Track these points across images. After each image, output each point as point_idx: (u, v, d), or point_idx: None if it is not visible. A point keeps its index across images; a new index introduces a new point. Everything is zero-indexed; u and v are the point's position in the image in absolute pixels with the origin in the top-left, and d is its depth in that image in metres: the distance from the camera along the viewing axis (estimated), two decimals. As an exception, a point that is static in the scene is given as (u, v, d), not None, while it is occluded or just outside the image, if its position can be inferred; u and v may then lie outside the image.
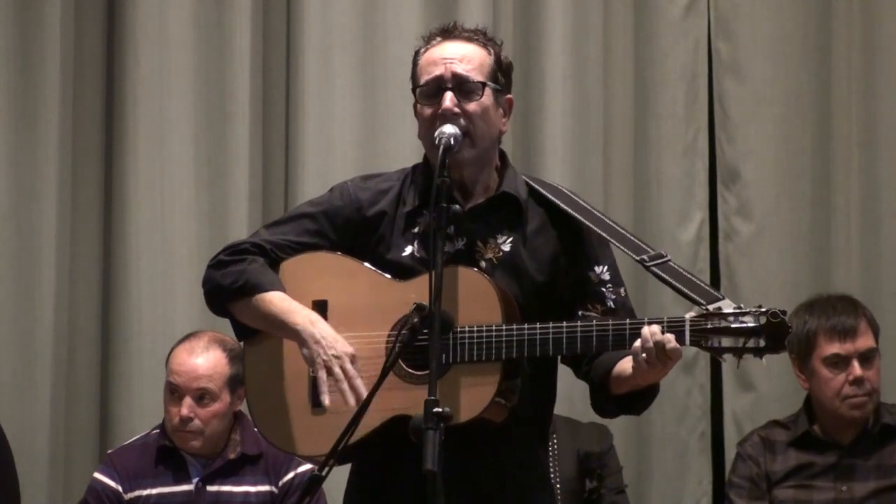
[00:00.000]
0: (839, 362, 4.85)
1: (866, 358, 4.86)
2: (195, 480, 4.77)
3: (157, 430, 4.85)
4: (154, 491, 4.76)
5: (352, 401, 3.27)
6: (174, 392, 4.77)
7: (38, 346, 5.45)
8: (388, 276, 3.40)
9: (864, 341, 4.86)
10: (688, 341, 3.22)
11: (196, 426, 4.74)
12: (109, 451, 4.93)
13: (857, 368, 4.83)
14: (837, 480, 4.87)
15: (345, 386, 3.30)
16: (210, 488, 4.76)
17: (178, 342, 4.86)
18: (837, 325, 4.84)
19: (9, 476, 4.85)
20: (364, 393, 3.27)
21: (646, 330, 3.22)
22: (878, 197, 5.76)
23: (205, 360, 4.74)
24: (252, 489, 4.77)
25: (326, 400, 3.31)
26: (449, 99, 3.38)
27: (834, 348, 4.85)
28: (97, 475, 4.82)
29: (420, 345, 3.17)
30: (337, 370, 3.30)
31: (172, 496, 4.76)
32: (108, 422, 5.55)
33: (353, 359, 3.31)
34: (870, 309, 5.13)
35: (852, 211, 5.75)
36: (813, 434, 4.91)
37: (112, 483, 4.78)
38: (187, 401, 4.74)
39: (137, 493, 4.76)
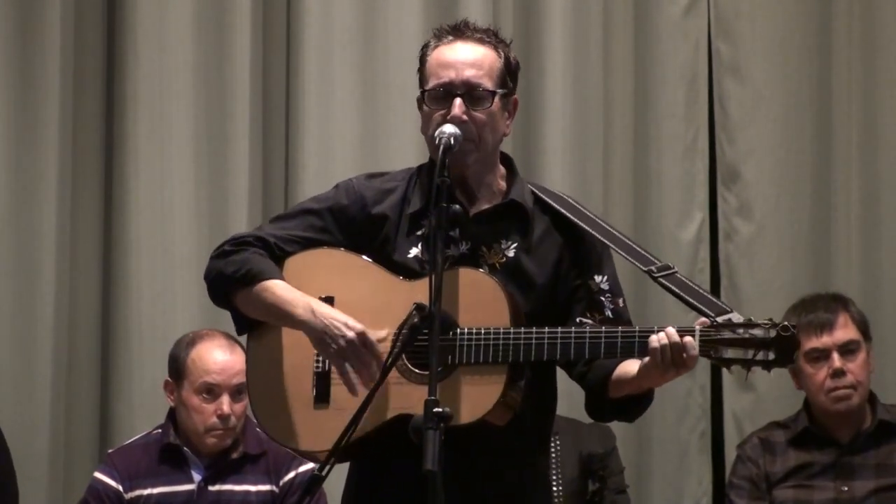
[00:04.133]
0: (819, 356, 4.88)
1: (847, 350, 4.88)
2: (197, 480, 4.77)
3: (159, 430, 4.85)
4: (155, 490, 4.76)
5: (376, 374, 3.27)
6: (211, 391, 4.76)
7: (38, 345, 5.44)
8: (395, 274, 3.39)
9: (843, 334, 4.88)
10: (697, 351, 3.22)
11: (233, 423, 4.74)
12: (110, 451, 4.92)
13: (836, 361, 4.86)
14: (837, 480, 4.87)
15: (368, 367, 3.28)
16: (212, 488, 4.75)
17: (189, 343, 4.82)
18: (814, 320, 4.86)
19: (8, 476, 4.85)
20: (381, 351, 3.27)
21: (670, 329, 3.22)
22: (878, 197, 5.77)
23: (235, 355, 4.72)
24: (252, 488, 4.77)
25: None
26: (458, 107, 3.36)
27: (812, 343, 4.87)
28: (97, 475, 4.82)
29: (426, 344, 3.16)
30: (352, 358, 3.29)
31: (174, 496, 4.75)
32: (108, 422, 5.54)
33: (363, 336, 3.30)
34: (870, 309, 5.14)
35: (852, 211, 5.75)
36: (812, 431, 4.92)
37: (112, 483, 4.77)
38: (226, 398, 4.74)
39: (138, 492, 4.76)
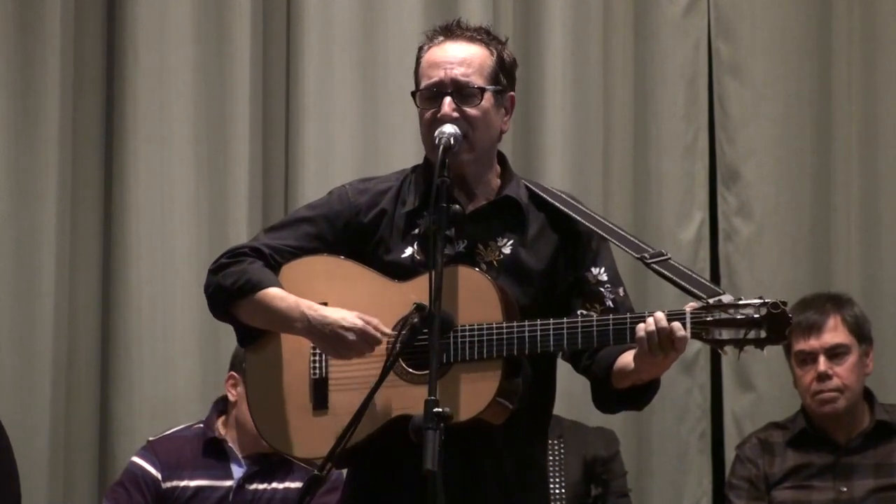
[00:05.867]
0: (807, 359, 4.90)
1: (834, 354, 4.89)
2: (237, 477, 4.77)
3: (199, 424, 4.85)
4: (192, 483, 4.77)
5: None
6: None
7: (38, 345, 5.45)
8: (388, 277, 3.40)
9: (831, 337, 4.88)
10: (689, 333, 3.22)
11: None
12: (151, 439, 4.90)
13: (821, 364, 4.87)
14: (836, 480, 4.88)
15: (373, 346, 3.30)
16: (249, 486, 4.77)
17: None
18: (803, 322, 4.87)
19: (9, 469, 4.85)
20: (387, 331, 3.29)
21: (658, 314, 3.22)
22: (878, 197, 5.76)
23: None
24: (280, 486, 4.78)
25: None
26: (447, 105, 3.38)
27: (800, 345, 4.89)
28: (136, 460, 4.82)
29: (421, 345, 3.18)
30: (364, 346, 3.30)
31: (211, 490, 4.76)
32: (108, 422, 5.54)
33: (364, 323, 3.30)
34: (870, 309, 5.13)
35: (852, 211, 5.75)
36: (809, 432, 4.92)
37: (152, 469, 4.78)
38: None
39: (175, 483, 4.77)
